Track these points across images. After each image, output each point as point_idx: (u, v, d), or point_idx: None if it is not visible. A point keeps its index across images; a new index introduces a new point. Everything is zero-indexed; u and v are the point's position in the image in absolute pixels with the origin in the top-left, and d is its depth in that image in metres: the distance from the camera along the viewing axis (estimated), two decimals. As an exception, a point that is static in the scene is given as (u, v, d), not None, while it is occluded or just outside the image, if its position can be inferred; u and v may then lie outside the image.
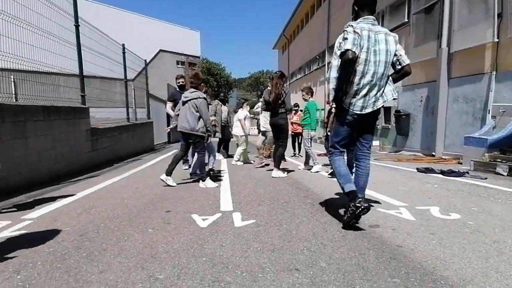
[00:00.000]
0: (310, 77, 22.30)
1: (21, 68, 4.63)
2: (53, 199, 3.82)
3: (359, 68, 2.67)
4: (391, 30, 10.66)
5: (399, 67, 2.79)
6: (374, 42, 2.67)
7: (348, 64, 2.59)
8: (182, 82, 6.16)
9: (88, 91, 6.71)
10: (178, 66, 34.08)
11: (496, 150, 6.34)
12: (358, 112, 2.74)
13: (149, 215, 3.17)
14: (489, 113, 7.20)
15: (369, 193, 4.15)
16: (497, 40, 6.93)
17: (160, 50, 31.34)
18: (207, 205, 3.58)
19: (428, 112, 9.39)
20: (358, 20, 2.77)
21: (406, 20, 10.33)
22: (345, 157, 3.59)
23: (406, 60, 2.78)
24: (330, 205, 3.54)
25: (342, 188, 2.80)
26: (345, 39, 2.62)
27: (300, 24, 25.58)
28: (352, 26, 2.67)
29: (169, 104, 6.26)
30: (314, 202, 3.71)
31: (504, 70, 6.90)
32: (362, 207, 2.53)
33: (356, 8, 2.82)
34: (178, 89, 6.25)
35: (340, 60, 2.65)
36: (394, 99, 2.90)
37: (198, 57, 36.94)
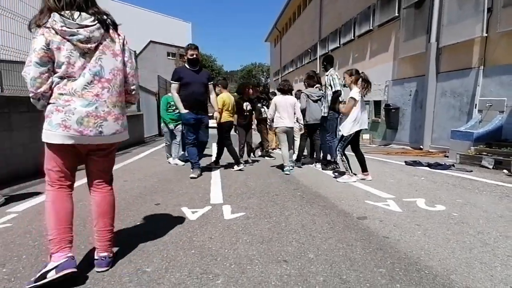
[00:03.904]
0: (302, 70, 22.27)
1: (6, 59, 4.49)
2: (38, 192, 3.75)
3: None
4: (382, 25, 10.71)
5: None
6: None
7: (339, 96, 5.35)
8: (196, 55, 4.66)
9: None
10: (169, 57, 33.61)
11: (482, 144, 6.47)
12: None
13: (138, 208, 3.15)
14: (475, 108, 7.33)
15: (358, 185, 4.21)
16: (486, 34, 7.02)
17: (151, 41, 30.84)
18: (197, 198, 3.57)
19: (417, 106, 9.50)
20: (332, 69, 5.49)
21: (396, 14, 10.36)
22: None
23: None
24: (319, 198, 3.58)
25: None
26: (335, 83, 5.31)
27: (292, 17, 25.40)
28: (336, 74, 5.33)
29: (175, 85, 4.65)
30: (304, 194, 3.73)
31: (492, 65, 7.01)
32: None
33: (326, 63, 5.62)
34: (188, 66, 4.71)
35: (336, 92, 5.34)
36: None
37: (189, 49, 36.45)
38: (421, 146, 8.94)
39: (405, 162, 6.24)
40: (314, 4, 19.17)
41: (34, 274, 1.81)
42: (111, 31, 1.78)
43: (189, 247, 2.20)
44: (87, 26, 1.67)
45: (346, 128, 4.40)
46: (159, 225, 2.66)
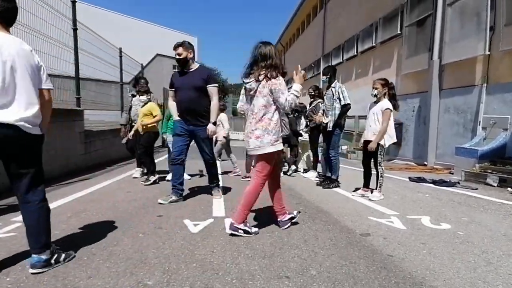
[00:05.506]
0: (305, 84, 22.43)
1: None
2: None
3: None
4: (384, 42, 10.78)
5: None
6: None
7: (349, 109, 4.99)
8: (179, 55, 3.98)
9: (83, 94, 6.68)
10: (174, 70, 34.03)
11: (486, 161, 6.43)
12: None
13: (140, 219, 3.15)
14: (479, 125, 7.31)
15: (361, 201, 4.18)
16: (489, 53, 7.08)
17: (157, 54, 31.36)
18: (199, 210, 3.56)
19: (420, 122, 9.51)
20: (336, 81, 5.05)
21: (399, 32, 10.50)
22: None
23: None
24: (321, 213, 3.56)
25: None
26: (344, 95, 4.86)
27: (296, 32, 25.83)
28: (344, 87, 4.95)
29: (171, 93, 4.03)
30: (306, 209, 3.72)
31: (494, 83, 7.03)
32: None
33: (330, 74, 5.06)
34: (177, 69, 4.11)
35: (346, 106, 4.89)
36: None
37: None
38: (425, 162, 8.89)
39: (409, 178, 6.20)
40: (318, 21, 19.51)
41: (37, 285, 1.82)
42: (263, 81, 2.67)
43: (190, 261, 2.19)
44: (248, 82, 2.75)
45: (386, 140, 4.25)
46: (161, 237, 2.65)
